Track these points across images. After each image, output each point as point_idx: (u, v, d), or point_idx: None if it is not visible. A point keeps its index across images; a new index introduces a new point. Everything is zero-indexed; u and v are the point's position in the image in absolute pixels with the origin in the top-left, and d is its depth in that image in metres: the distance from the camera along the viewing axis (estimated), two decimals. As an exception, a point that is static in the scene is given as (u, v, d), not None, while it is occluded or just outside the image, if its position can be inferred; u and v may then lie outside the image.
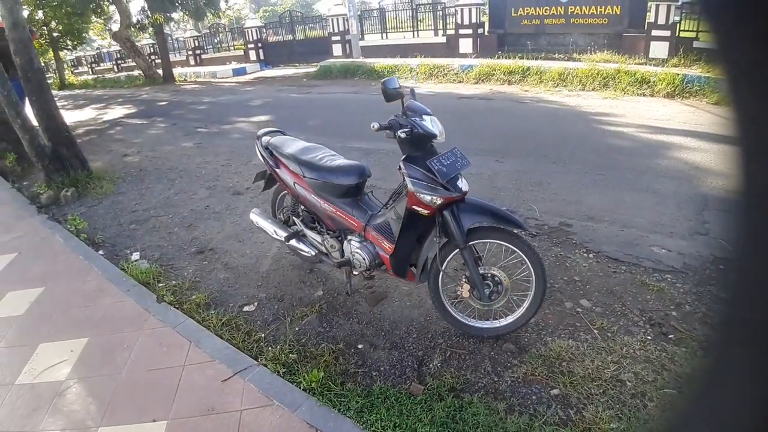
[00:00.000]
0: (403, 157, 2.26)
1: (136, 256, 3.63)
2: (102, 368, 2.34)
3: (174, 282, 3.19)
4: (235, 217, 4.30)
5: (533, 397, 2.14)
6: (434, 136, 2.18)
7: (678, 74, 8.23)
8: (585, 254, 3.32)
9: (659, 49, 10.06)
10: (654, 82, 8.27)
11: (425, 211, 2.21)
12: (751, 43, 0.35)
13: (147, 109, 11.33)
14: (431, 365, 2.34)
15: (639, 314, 2.68)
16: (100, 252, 3.69)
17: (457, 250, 2.31)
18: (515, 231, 2.32)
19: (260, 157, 3.04)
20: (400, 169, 2.26)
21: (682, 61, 9.34)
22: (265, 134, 3.07)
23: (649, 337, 2.49)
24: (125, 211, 4.67)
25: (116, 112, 11.57)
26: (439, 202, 2.15)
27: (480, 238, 2.32)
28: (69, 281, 3.20)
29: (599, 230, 3.61)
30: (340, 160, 2.69)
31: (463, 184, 2.21)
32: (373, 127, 2.19)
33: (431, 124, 2.18)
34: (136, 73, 20.12)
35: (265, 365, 2.27)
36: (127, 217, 4.50)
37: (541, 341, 2.48)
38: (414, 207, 2.22)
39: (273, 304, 2.91)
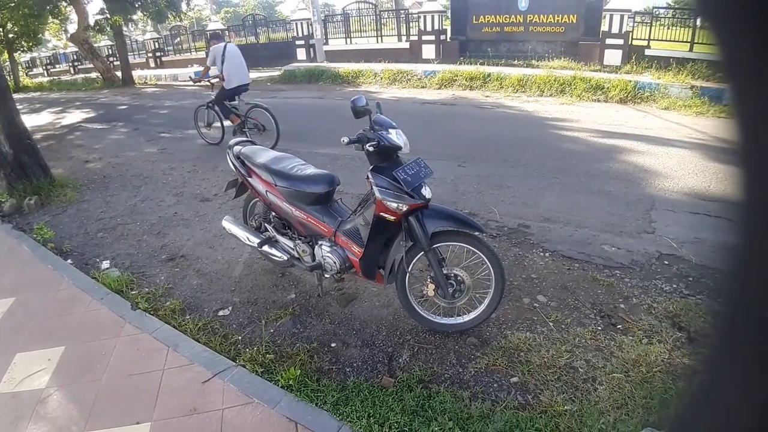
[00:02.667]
0: (371, 167, 2.42)
1: (106, 264, 3.63)
2: (82, 375, 2.37)
3: (147, 289, 3.23)
4: (205, 224, 4.34)
5: (495, 385, 2.33)
6: (399, 148, 2.35)
7: (630, 81, 8.74)
8: (542, 253, 3.56)
9: (613, 57, 10.61)
10: (608, 88, 8.75)
11: (392, 218, 2.37)
12: (755, 49, 0.35)
13: (107, 113, 11.05)
14: (401, 360, 2.50)
15: (590, 307, 2.92)
16: (69, 261, 3.67)
17: (422, 252, 2.48)
18: (475, 234, 2.51)
19: (232, 166, 3.13)
20: (368, 178, 2.41)
21: (635, 68, 9.90)
22: (237, 144, 3.16)
23: (600, 328, 2.73)
24: (91, 219, 4.62)
25: (75, 116, 11.24)
26: (404, 208, 2.32)
27: (443, 241, 2.50)
28: (40, 291, 3.18)
29: (555, 231, 3.87)
30: (311, 170, 2.82)
31: (426, 192, 2.39)
32: (343, 141, 2.34)
33: (396, 137, 2.35)
34: (93, 75, 19.47)
35: (244, 366, 2.37)
36: (94, 225, 4.47)
37: (501, 334, 2.68)
38: (381, 214, 2.38)
39: (247, 308, 3.01)
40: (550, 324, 2.76)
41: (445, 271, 2.53)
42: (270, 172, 2.83)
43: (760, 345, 0.39)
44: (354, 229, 2.62)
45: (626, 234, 3.77)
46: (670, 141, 6.13)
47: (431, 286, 2.53)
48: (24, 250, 3.79)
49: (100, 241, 4.12)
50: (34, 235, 4.07)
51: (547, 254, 3.54)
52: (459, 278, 2.55)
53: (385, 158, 2.38)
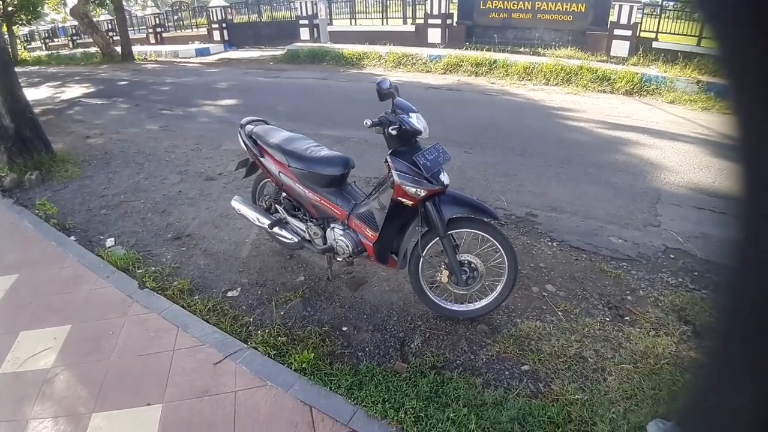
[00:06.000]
0: (390, 151, 2.38)
1: (110, 242, 3.58)
2: (89, 355, 2.34)
3: (154, 268, 3.19)
4: (210, 203, 4.29)
5: (506, 373, 2.34)
6: (419, 132, 2.31)
7: (637, 73, 8.66)
8: (549, 243, 3.55)
9: (620, 48, 10.50)
10: (614, 79, 8.67)
11: (409, 202, 2.34)
12: (753, 46, 0.35)
13: (107, 89, 10.85)
14: (412, 345, 2.50)
15: (598, 298, 2.92)
16: (72, 238, 3.62)
17: (437, 238, 2.46)
18: (490, 221, 2.49)
19: (243, 146, 3.08)
20: (386, 162, 2.37)
21: (641, 61, 9.81)
22: (249, 123, 3.11)
23: (608, 319, 2.74)
24: (94, 195, 4.55)
25: (74, 91, 11.01)
26: (423, 194, 2.29)
27: (459, 227, 2.48)
28: (44, 268, 3.13)
29: (562, 221, 3.86)
30: (325, 151, 2.77)
31: (444, 177, 2.36)
32: (366, 123, 2.29)
33: (417, 121, 2.31)
34: (92, 50, 19.06)
35: (255, 348, 2.36)
36: (97, 201, 4.40)
37: (511, 322, 2.69)
38: (399, 198, 2.35)
39: (256, 290, 2.99)
40: (559, 313, 2.77)
41: (459, 258, 2.52)
42: (283, 152, 2.78)
43: (761, 341, 0.39)
44: (368, 212, 2.59)
45: (632, 226, 3.77)
46: (676, 135, 6.10)
47: (445, 273, 2.51)
48: (26, 226, 3.73)
49: (104, 218, 4.07)
50: (36, 211, 4.01)
51: (554, 244, 3.54)
52: (473, 265, 2.54)
53: (404, 142, 2.34)
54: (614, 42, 10.61)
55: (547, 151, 5.45)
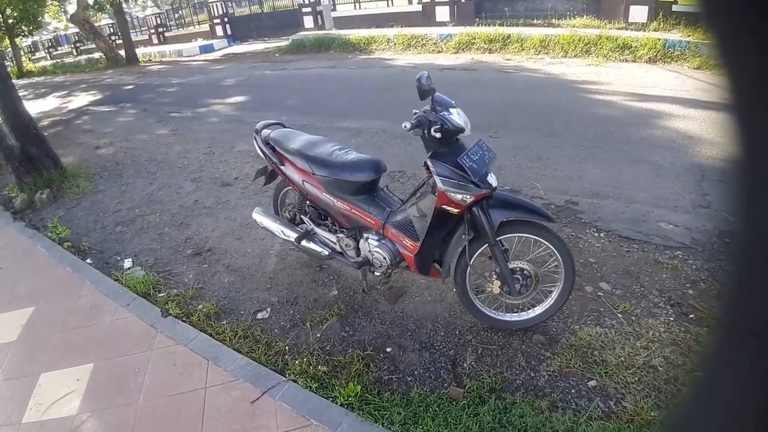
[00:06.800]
0: (429, 153, 2.12)
1: (128, 263, 3.40)
2: (115, 398, 2.15)
3: (176, 290, 3.00)
4: (229, 212, 4.08)
5: (572, 391, 2.11)
6: (462, 130, 2.04)
7: (659, 39, 8.17)
8: (596, 234, 3.28)
9: (638, 13, 9.93)
10: (636, 47, 8.20)
11: (455, 210, 2.09)
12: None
13: (113, 95, 10.65)
14: (465, 365, 2.27)
15: (658, 294, 2.67)
16: (88, 261, 3.44)
17: (486, 245, 2.21)
18: (544, 223, 2.23)
19: (260, 153, 2.83)
20: (426, 167, 2.12)
21: (662, 26, 9.27)
22: (264, 127, 2.86)
23: (672, 318, 2.49)
24: (107, 211, 4.37)
25: (81, 99, 10.83)
26: (470, 200, 2.04)
27: (509, 232, 2.23)
28: (60, 298, 2.95)
29: (605, 207, 3.57)
30: (353, 155, 2.51)
31: (492, 179, 2.10)
32: (405, 127, 2.03)
33: (458, 117, 2.04)
34: (96, 55, 18.91)
35: (295, 380, 2.14)
36: (111, 218, 4.22)
37: (569, 330, 2.45)
38: (444, 206, 2.10)
39: (287, 309, 2.77)
40: (619, 316, 2.52)
41: (510, 266, 2.27)
42: (306, 159, 2.53)
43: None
44: (406, 220, 2.34)
45: (681, 209, 3.47)
46: (707, 104, 5.69)
47: (497, 283, 2.26)
48: (39, 251, 3.56)
49: (120, 236, 3.88)
50: (49, 233, 3.83)
51: (602, 234, 3.27)
52: (526, 272, 2.29)
53: (445, 143, 2.07)
54: (632, 7, 10.04)
55: (576, 129, 5.12)
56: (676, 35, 8.58)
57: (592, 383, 2.14)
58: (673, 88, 6.49)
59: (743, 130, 0.36)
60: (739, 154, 0.37)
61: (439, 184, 2.04)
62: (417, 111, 2.13)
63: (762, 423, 0.39)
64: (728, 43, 0.36)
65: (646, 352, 2.28)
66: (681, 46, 8.00)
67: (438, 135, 1.98)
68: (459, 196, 2.02)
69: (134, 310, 2.72)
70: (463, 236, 2.20)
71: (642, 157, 4.32)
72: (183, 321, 2.64)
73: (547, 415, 1.97)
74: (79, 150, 6.45)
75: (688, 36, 8.39)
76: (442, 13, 12.35)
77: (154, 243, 3.70)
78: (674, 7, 9.67)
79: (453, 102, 2.10)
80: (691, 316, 2.51)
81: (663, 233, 3.21)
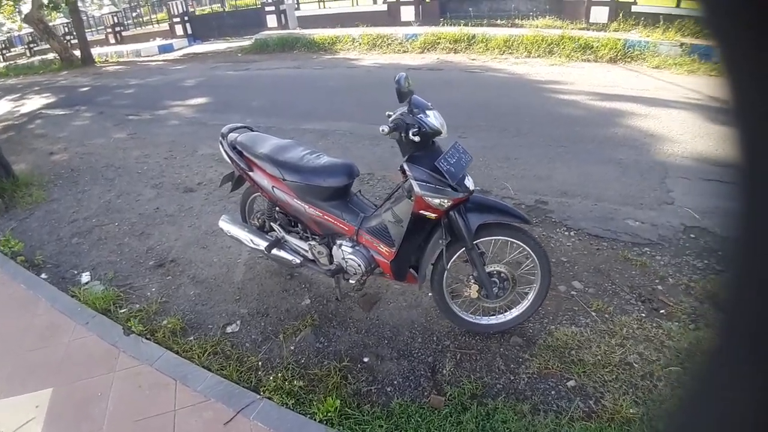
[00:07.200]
0: (405, 157, 2.06)
1: (86, 277, 3.18)
2: (78, 424, 1.99)
3: (138, 306, 2.82)
4: (192, 219, 3.91)
5: (552, 393, 2.12)
6: (439, 132, 1.99)
7: (619, 39, 8.43)
8: (566, 232, 3.32)
9: (599, 14, 10.22)
10: (597, 47, 8.43)
11: (433, 215, 2.04)
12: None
13: (68, 97, 10.08)
14: (445, 371, 2.23)
15: (629, 291, 2.72)
16: (43, 276, 3.20)
17: (463, 249, 2.18)
18: (521, 226, 2.22)
19: (227, 159, 2.71)
20: (402, 171, 2.06)
21: (622, 26, 9.57)
22: (231, 131, 2.73)
23: (644, 315, 2.54)
24: (63, 221, 4.10)
25: (34, 102, 10.19)
26: (448, 204, 1.99)
27: (486, 235, 2.21)
28: (15, 317, 2.72)
29: (574, 206, 3.63)
30: (324, 159, 2.43)
31: (469, 182, 2.06)
32: (382, 131, 1.96)
33: (435, 119, 1.99)
34: (51, 56, 17.90)
35: (270, 398, 2.04)
36: (67, 228, 3.96)
37: (545, 330, 2.46)
38: (421, 212, 2.05)
39: (258, 321, 2.65)
40: (593, 314, 2.56)
41: (487, 269, 2.24)
42: (276, 164, 2.43)
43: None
44: (381, 226, 2.27)
45: (647, 206, 3.56)
46: (668, 102, 5.91)
47: (474, 287, 2.23)
48: (-10, 267, 3.29)
49: (76, 248, 3.64)
50: (1, 247, 3.55)
51: (572, 233, 3.31)
52: (503, 275, 2.28)
53: (421, 146, 2.02)
54: (593, 8, 10.33)
55: (542, 129, 5.19)
56: (635, 35, 8.88)
57: (571, 383, 2.15)
58: (633, 87, 6.69)
59: (743, 130, 0.36)
60: (739, 154, 0.36)
61: (417, 189, 1.98)
62: (391, 113, 2.07)
63: (762, 423, 0.39)
64: (728, 44, 0.36)
65: (621, 349, 2.31)
66: (640, 46, 8.28)
67: (417, 138, 1.92)
68: (437, 201, 1.98)
69: (94, 329, 2.54)
70: (440, 241, 2.16)
71: (607, 156, 4.42)
72: (147, 339, 2.48)
73: (530, 419, 1.95)
74: (31, 156, 6.05)
75: (647, 36, 8.69)
76: (407, 12, 12.37)
77: (114, 255, 3.48)
78: (634, 8, 10.01)
79: (429, 104, 2.05)
80: (661, 311, 2.57)
81: (630, 230, 3.28)
